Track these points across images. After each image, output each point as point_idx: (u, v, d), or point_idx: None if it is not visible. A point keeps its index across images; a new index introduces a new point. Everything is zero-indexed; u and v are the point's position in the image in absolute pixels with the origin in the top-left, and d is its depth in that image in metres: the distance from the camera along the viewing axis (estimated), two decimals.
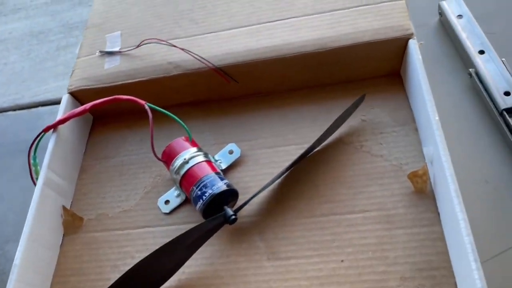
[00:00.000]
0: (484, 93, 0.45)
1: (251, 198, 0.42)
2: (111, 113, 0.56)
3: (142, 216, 0.47)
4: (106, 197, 0.50)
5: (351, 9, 0.49)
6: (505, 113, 0.43)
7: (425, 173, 0.41)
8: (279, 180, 0.45)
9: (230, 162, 0.48)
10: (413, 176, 0.41)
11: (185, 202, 0.47)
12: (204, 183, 0.42)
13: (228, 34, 0.52)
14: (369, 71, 0.50)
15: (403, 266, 0.38)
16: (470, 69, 0.46)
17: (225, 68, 0.50)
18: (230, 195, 0.43)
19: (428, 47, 0.52)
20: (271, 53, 0.49)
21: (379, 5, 0.48)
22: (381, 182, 0.43)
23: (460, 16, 0.51)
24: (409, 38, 0.45)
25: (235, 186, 0.45)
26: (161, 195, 0.48)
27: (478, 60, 0.46)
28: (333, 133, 0.47)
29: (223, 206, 0.42)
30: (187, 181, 0.44)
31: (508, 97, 0.44)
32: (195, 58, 0.50)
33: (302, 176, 0.46)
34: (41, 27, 0.94)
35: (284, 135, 0.49)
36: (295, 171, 0.46)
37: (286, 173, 0.46)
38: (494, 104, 0.44)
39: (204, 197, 0.42)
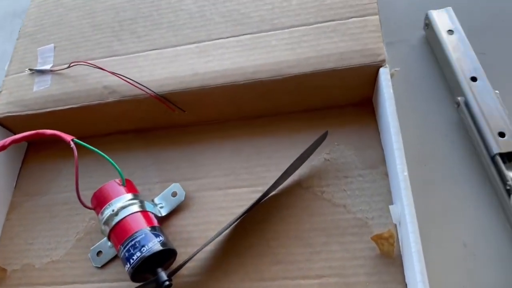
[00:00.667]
0: (474, 130, 0.37)
1: (189, 258, 0.37)
2: (47, 138, 0.49)
3: (71, 269, 0.42)
4: (34, 243, 0.44)
5: (314, 26, 0.41)
6: (498, 157, 0.35)
7: (392, 236, 0.35)
8: (228, 230, 0.39)
9: (173, 206, 0.42)
10: (377, 238, 0.35)
11: None
12: (133, 242, 0.36)
13: (173, 52, 0.44)
14: (335, 99, 0.43)
15: None
16: (459, 98, 0.38)
17: (168, 96, 0.43)
18: (166, 254, 0.37)
19: (410, 67, 0.45)
20: (220, 79, 0.41)
21: (347, 21, 0.41)
22: (342, 240, 0.37)
23: (451, 32, 0.42)
24: (380, 66, 0.38)
25: (174, 241, 0.39)
26: (94, 244, 0.42)
27: (469, 88, 0.38)
28: (290, 175, 0.41)
29: (157, 269, 0.36)
30: (116, 236, 0.38)
31: (503, 139, 0.36)
32: (133, 84, 0.43)
33: (252, 228, 0.40)
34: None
35: (237, 175, 0.43)
36: (245, 220, 0.40)
37: (236, 222, 0.40)
38: (485, 145, 0.37)
39: (131, 260, 0.36)
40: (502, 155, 0.35)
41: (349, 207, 0.38)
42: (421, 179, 0.38)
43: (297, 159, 0.39)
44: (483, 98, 0.37)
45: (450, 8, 0.44)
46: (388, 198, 0.38)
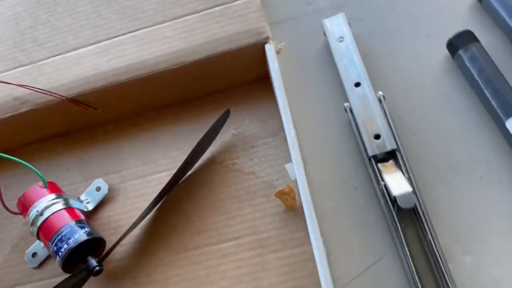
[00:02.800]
0: (356, 134, 0.40)
1: (116, 243, 0.41)
2: None
3: (11, 274, 0.45)
4: None
5: (203, 13, 0.46)
6: (372, 159, 0.38)
7: (291, 190, 0.40)
8: (150, 214, 0.44)
9: (98, 200, 0.46)
10: (280, 195, 0.41)
11: None
12: (60, 237, 0.40)
13: (76, 55, 0.47)
14: (236, 78, 0.47)
15: None
16: (346, 104, 0.42)
17: (78, 97, 0.46)
18: (94, 243, 0.41)
19: (312, 73, 0.47)
20: (123, 75, 0.45)
21: (232, 4, 0.45)
22: (253, 203, 0.42)
23: (341, 39, 0.45)
24: (265, 43, 0.43)
25: (103, 232, 0.43)
26: (29, 247, 0.45)
27: (353, 94, 0.41)
28: (203, 153, 0.46)
29: (87, 257, 0.40)
30: (44, 235, 0.41)
31: (378, 140, 0.39)
32: (42, 92, 0.46)
33: (174, 207, 0.44)
34: None
35: (155, 161, 0.47)
36: (166, 202, 0.45)
37: (158, 205, 0.44)
38: (364, 148, 0.39)
39: (60, 253, 0.40)
40: (376, 156, 0.38)
41: (257, 173, 0.44)
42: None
43: (203, 138, 0.43)
44: (364, 102, 0.41)
45: (342, 14, 0.46)
46: (288, 159, 0.43)
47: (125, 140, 0.49)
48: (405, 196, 0.35)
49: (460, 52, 0.40)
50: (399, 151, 0.39)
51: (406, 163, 0.38)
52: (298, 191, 0.41)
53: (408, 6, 0.47)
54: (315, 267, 0.38)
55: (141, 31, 0.47)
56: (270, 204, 0.42)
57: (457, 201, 0.38)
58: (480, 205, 0.37)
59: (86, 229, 0.41)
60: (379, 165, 0.39)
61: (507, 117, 0.37)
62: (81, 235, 0.40)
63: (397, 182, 0.37)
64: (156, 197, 0.42)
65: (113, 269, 0.43)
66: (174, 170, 0.45)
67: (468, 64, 0.40)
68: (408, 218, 0.37)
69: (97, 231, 0.42)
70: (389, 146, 0.38)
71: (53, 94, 0.46)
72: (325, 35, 0.46)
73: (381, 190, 0.38)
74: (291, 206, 0.41)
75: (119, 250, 0.43)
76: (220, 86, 0.48)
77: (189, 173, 0.45)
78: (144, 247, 0.43)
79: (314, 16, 0.49)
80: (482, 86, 0.39)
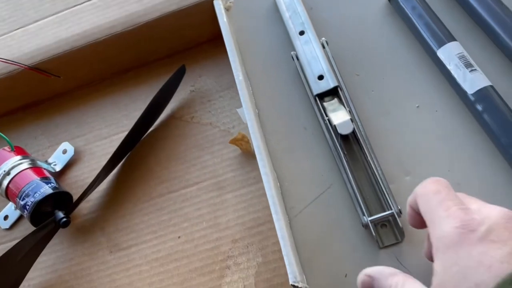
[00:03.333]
0: (303, 78, 0.44)
1: (82, 196, 0.43)
2: None
3: None
4: None
5: None
6: (317, 98, 0.41)
7: (243, 136, 0.43)
8: (116, 170, 0.46)
9: (65, 162, 0.48)
10: (234, 141, 0.43)
11: None
12: (26, 192, 0.42)
13: (36, 26, 0.50)
14: (191, 38, 0.50)
15: (233, 229, 0.41)
16: (292, 52, 0.45)
17: (40, 65, 0.48)
18: (60, 198, 0.44)
19: (262, 28, 0.50)
20: (81, 40, 0.48)
21: None
22: (211, 150, 0.45)
23: None
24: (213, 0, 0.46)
25: (72, 190, 0.45)
26: (0, 211, 0.47)
27: (298, 42, 0.44)
28: (162, 110, 0.48)
29: (55, 210, 0.42)
30: (11, 193, 0.43)
31: (321, 81, 0.42)
32: (4, 62, 0.48)
33: (137, 161, 0.47)
34: None
35: (118, 123, 0.49)
36: (130, 157, 0.47)
37: (122, 161, 0.46)
38: (310, 89, 0.42)
39: (27, 207, 0.42)
40: (321, 95, 0.42)
41: (214, 123, 0.46)
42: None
43: (158, 93, 0.46)
44: (308, 48, 0.44)
45: None
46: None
47: (88, 105, 0.51)
48: (344, 123, 0.38)
49: None
50: (341, 88, 0.42)
51: (348, 98, 0.41)
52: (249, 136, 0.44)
53: None
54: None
55: None
56: (227, 150, 0.45)
57: (397, 130, 0.41)
58: (418, 131, 0.40)
59: (52, 184, 0.43)
60: (324, 103, 0.42)
61: (438, 47, 0.40)
62: (46, 189, 0.42)
63: (338, 114, 0.40)
64: (116, 151, 0.44)
65: (81, 222, 0.45)
66: None
67: (402, 4, 0.43)
68: (351, 146, 0.40)
69: (63, 187, 0.44)
70: (332, 83, 0.41)
71: (14, 63, 0.48)
72: None
73: (326, 125, 0.40)
74: (246, 150, 0.44)
75: (87, 206, 0.45)
76: (176, 47, 0.51)
77: (150, 130, 0.48)
78: (111, 199, 0.45)
79: None
80: (415, 23, 0.42)
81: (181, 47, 0.51)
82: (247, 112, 0.40)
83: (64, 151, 0.48)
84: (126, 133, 0.48)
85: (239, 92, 0.41)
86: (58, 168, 0.47)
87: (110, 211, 0.45)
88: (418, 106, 0.41)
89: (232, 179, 0.43)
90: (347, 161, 0.39)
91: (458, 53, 0.38)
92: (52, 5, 0.51)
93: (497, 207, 0.25)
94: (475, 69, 0.37)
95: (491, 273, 0.22)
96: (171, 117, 0.48)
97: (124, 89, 0.51)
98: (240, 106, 0.45)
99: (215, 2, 0.46)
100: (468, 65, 0.38)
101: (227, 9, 0.48)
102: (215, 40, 0.50)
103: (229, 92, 0.48)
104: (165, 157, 0.46)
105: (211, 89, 0.48)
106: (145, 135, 0.48)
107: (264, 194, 0.41)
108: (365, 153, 0.39)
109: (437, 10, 0.43)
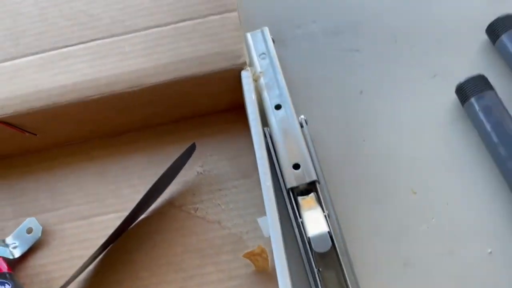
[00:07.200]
0: (275, 162, 0.37)
1: None
2: None
3: None
4: None
5: (171, 27, 0.40)
6: (291, 194, 0.36)
7: (263, 251, 0.35)
8: (91, 266, 0.38)
9: (29, 245, 0.39)
10: (250, 255, 0.36)
11: None
12: None
13: (13, 66, 0.41)
14: (204, 106, 0.42)
15: None
16: (265, 128, 0.39)
17: (12, 119, 0.40)
18: None
19: None
20: (69, 94, 0.39)
21: (206, 19, 0.40)
22: (217, 260, 0.37)
23: (263, 56, 0.42)
24: (241, 69, 0.38)
25: (32, 285, 0.37)
26: None
27: (273, 117, 0.39)
28: (161, 193, 0.40)
29: None
30: None
31: (297, 171, 0.36)
32: None
33: (121, 259, 0.38)
34: None
35: (102, 200, 0.41)
36: (112, 251, 0.39)
37: (102, 255, 0.38)
38: (283, 178, 0.37)
39: None
40: (294, 189, 0.36)
41: (223, 223, 0.39)
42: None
43: (162, 176, 0.38)
44: (283, 127, 0.38)
45: (265, 29, 0.44)
46: (261, 209, 0.38)
47: (67, 170, 0.43)
48: (320, 238, 0.33)
49: (472, 100, 0.36)
50: (319, 182, 0.36)
51: (327, 197, 0.36)
52: (271, 250, 0.36)
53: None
54: None
55: (94, 42, 0.41)
56: (237, 263, 0.37)
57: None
58: None
59: (7, 286, 0.35)
60: (299, 198, 0.36)
61: None
62: None
63: (314, 220, 0.34)
64: (101, 246, 0.36)
65: None
66: (125, 213, 0.39)
67: (481, 115, 0.36)
68: (328, 263, 0.34)
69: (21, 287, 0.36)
70: (308, 177, 0.36)
71: None
72: (247, 50, 0.42)
73: (299, 227, 0.36)
74: (263, 268, 0.36)
75: None
76: (186, 113, 0.43)
77: (141, 217, 0.40)
78: None
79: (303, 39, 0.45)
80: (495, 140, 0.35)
81: (190, 115, 0.43)
82: (273, 230, 0.32)
83: (29, 230, 0.40)
84: (111, 215, 0.40)
85: (265, 202, 0.33)
86: (17, 254, 0.39)
87: None
88: (490, 252, 0.33)
89: None
90: (320, 281, 0.33)
91: None
92: (37, 39, 0.42)
93: None
94: None
95: None
96: (170, 204, 0.40)
97: (115, 156, 0.43)
98: (261, 209, 0.38)
99: (243, 73, 0.38)
100: None
101: (255, 80, 0.40)
102: (233, 112, 0.43)
103: (246, 182, 0.40)
104: (156, 259, 0.38)
105: (224, 174, 0.41)
106: (133, 225, 0.39)
107: None
108: (343, 270, 0.33)
109: None
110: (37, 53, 0.41)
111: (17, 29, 0.43)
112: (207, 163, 0.41)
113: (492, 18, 0.40)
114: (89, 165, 0.43)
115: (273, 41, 0.44)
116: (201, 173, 0.41)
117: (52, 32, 0.42)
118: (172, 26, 0.40)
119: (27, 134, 0.41)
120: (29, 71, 0.41)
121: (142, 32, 0.41)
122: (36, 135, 0.42)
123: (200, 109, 0.42)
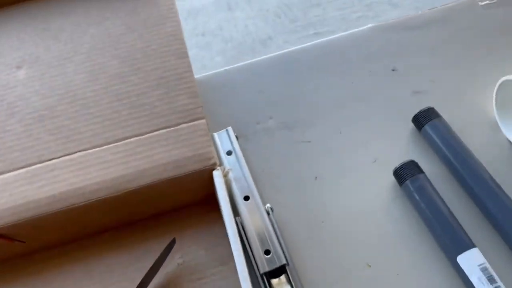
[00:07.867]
0: (248, 249, 0.42)
1: None
2: None
3: None
4: None
5: (147, 136, 0.46)
6: (265, 277, 0.40)
7: None
8: None
9: None
10: None
11: None
12: None
13: (1, 180, 0.45)
14: (180, 201, 0.47)
15: None
16: (237, 217, 0.44)
17: (2, 230, 0.43)
18: None
19: None
20: (56, 204, 0.43)
21: (177, 127, 0.46)
22: None
23: (229, 153, 0.49)
24: (212, 169, 0.44)
25: None
26: None
27: (243, 207, 0.44)
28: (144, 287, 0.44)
29: None
30: None
31: (268, 256, 0.41)
32: None
33: None
34: None
35: None
36: None
37: None
38: (256, 263, 0.41)
39: None
40: (267, 273, 0.41)
41: None
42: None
43: (148, 272, 0.42)
44: (253, 216, 0.44)
45: (230, 128, 0.51)
46: None
47: (54, 272, 0.46)
48: None
49: (407, 182, 0.44)
50: (289, 265, 0.41)
51: (296, 277, 0.41)
52: None
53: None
54: None
55: (77, 154, 0.46)
56: None
57: None
58: None
59: None
60: (272, 281, 0.41)
61: (458, 253, 0.39)
62: None
63: None
64: None
65: None
66: None
67: (416, 195, 0.43)
68: None
69: None
70: (278, 262, 0.41)
71: None
72: (216, 149, 0.48)
73: None
74: None
75: None
76: (166, 208, 0.48)
77: None
78: None
79: (262, 133, 0.51)
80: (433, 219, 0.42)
81: (169, 208, 0.48)
82: None
83: None
84: None
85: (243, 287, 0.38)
86: None
87: None
88: None
89: None
90: None
91: (480, 264, 0.38)
92: (23, 154, 0.46)
93: None
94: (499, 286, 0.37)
95: None
96: None
97: (99, 254, 0.46)
98: None
99: (214, 173, 0.44)
100: (491, 279, 0.37)
101: (224, 176, 0.46)
102: (207, 204, 0.48)
103: (223, 269, 0.44)
104: None
105: (203, 263, 0.45)
106: None
107: None
108: None
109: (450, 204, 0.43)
110: (23, 167, 0.46)
111: (3, 145, 0.47)
112: (186, 254, 0.46)
113: (416, 107, 0.49)
114: (75, 267, 0.46)
115: (237, 137, 0.51)
116: (181, 264, 0.45)
117: (37, 147, 0.47)
118: (148, 135, 0.46)
119: (16, 242, 0.44)
120: (17, 185, 0.45)
121: (121, 142, 0.46)
122: (24, 242, 0.45)
123: (177, 204, 0.47)
